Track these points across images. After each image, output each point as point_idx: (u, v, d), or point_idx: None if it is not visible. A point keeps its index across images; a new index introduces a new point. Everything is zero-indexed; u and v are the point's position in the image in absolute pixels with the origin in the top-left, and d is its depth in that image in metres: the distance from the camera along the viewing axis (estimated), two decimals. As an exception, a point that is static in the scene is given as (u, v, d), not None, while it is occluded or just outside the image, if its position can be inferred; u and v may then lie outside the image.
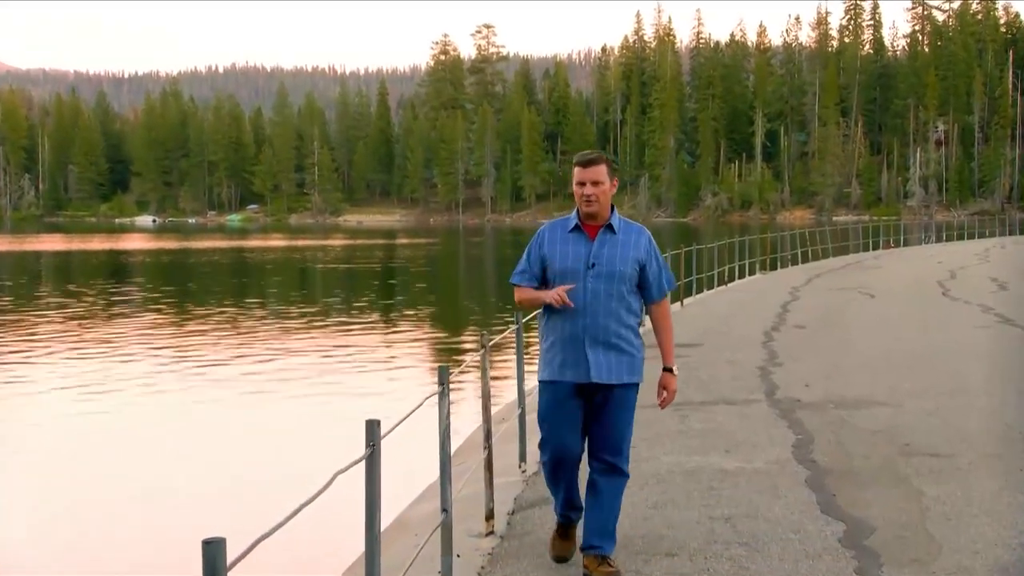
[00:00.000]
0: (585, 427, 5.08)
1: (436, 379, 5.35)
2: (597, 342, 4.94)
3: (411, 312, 26.13)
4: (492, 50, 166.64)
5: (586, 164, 5.01)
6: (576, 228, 5.03)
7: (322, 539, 7.44)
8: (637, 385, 5.07)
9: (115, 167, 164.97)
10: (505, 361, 14.89)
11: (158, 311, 26.42)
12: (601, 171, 4.98)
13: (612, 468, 5.06)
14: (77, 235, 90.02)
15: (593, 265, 4.95)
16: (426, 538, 5.27)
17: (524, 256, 5.15)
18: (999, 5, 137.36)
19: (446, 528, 5.28)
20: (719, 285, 24.59)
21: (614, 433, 5.04)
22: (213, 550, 2.46)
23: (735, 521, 5.97)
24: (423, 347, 19.45)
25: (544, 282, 5.07)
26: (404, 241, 77.61)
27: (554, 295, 4.97)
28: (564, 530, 5.36)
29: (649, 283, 5.09)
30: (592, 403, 5.03)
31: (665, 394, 5.14)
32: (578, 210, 5.03)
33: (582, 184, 4.99)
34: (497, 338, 7.80)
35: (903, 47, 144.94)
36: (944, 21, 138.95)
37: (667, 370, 5.18)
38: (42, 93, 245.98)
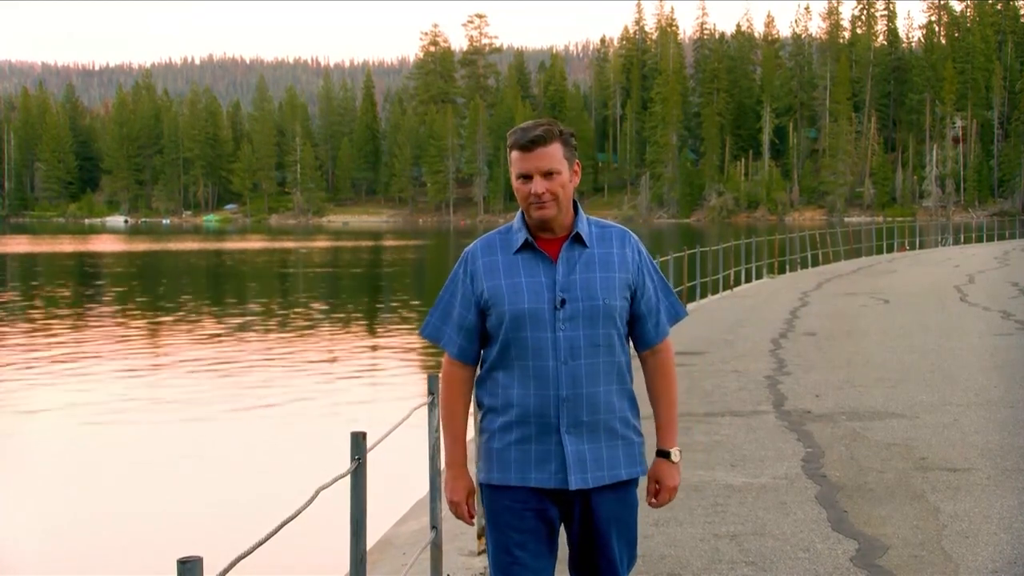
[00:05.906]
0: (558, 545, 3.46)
1: (425, 388, 5.36)
2: (579, 424, 3.33)
3: (398, 318, 26.11)
4: (484, 41, 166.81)
5: (528, 145, 3.32)
6: (527, 245, 3.39)
7: (305, 558, 7.44)
8: (636, 481, 3.47)
9: (84, 165, 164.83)
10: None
11: (133, 319, 26.38)
12: (553, 154, 3.32)
13: None
14: (44, 237, 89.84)
15: (563, 303, 3.32)
16: (414, 557, 5.27)
17: (444, 293, 3.50)
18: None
19: (436, 547, 5.29)
20: (724, 290, 24.63)
21: (610, 565, 3.42)
22: (189, 570, 2.48)
23: (741, 539, 5.99)
24: (411, 354, 19.45)
25: (484, 337, 3.45)
26: (391, 243, 77.61)
27: (454, 502, 3.48)
28: None
29: (642, 317, 3.45)
30: (571, 517, 3.40)
31: (659, 490, 3.48)
32: (523, 216, 3.42)
33: (525, 177, 3.33)
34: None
35: (919, 39, 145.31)
36: (961, 11, 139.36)
37: (663, 455, 3.49)
38: (7, 87, 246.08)
